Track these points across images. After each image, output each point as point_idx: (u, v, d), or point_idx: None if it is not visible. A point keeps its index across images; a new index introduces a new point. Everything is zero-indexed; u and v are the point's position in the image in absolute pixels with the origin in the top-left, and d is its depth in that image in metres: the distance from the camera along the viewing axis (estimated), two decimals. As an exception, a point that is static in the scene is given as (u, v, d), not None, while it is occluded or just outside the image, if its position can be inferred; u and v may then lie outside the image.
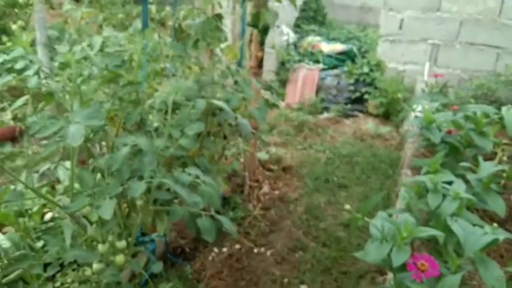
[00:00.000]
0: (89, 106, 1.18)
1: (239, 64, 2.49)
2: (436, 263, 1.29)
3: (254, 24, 2.40)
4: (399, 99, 4.47)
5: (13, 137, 3.67)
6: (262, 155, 3.50)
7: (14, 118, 4.16)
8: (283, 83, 5.36)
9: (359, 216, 1.47)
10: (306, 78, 5.22)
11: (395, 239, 1.35)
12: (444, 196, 1.77)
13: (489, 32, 4.32)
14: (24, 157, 1.37)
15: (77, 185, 1.63)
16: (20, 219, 1.88)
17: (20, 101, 1.45)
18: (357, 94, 4.91)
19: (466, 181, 1.95)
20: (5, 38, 3.66)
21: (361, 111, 4.90)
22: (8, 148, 1.45)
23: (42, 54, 3.54)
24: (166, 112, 1.50)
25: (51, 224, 1.70)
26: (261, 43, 2.58)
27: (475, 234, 1.36)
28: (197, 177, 1.27)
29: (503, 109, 2.02)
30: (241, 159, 3.26)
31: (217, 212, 1.40)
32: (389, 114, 4.67)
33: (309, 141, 4.17)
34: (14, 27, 3.56)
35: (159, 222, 1.89)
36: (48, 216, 2.05)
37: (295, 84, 5.26)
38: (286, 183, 3.34)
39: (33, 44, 3.61)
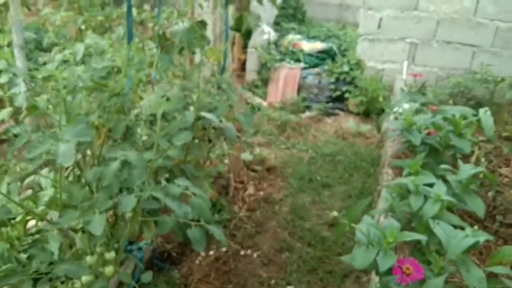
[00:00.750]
0: (76, 121, 1.17)
1: (223, 67, 2.50)
2: (420, 266, 1.33)
3: (237, 28, 2.41)
4: (379, 97, 4.55)
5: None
6: (246, 156, 3.52)
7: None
8: (265, 82, 5.37)
9: (346, 222, 1.50)
10: (287, 78, 5.25)
11: (381, 244, 1.39)
12: (426, 198, 1.82)
13: (465, 30, 4.43)
14: (9, 172, 1.35)
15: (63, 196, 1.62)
16: (3, 229, 1.85)
17: (3, 113, 1.42)
18: (338, 93, 4.97)
19: (446, 182, 2.02)
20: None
21: (342, 110, 4.96)
22: (-9, 161, 1.42)
23: (19, 57, 3.46)
24: (151, 123, 1.50)
25: (37, 236, 1.68)
26: (244, 46, 2.59)
27: (457, 237, 1.41)
28: (187, 188, 1.28)
29: (481, 111, 2.09)
30: (226, 161, 3.28)
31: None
32: (369, 112, 4.74)
33: (292, 140, 4.21)
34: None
35: (147, 230, 1.89)
36: (30, 223, 2.02)
37: (277, 84, 5.28)
38: (270, 184, 3.37)
39: (9, 46, 3.54)
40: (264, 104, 5.09)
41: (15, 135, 1.41)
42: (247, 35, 2.43)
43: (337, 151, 3.96)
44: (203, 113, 1.43)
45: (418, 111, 2.62)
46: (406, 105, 2.78)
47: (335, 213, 1.48)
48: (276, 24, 6.93)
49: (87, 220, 1.11)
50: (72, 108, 1.18)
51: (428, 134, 2.21)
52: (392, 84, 4.74)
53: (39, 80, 1.38)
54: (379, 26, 4.72)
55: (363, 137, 4.33)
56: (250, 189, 3.23)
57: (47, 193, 1.91)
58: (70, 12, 2.86)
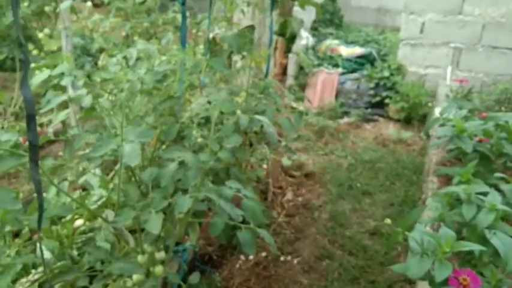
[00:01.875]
0: (135, 122, 1.20)
1: (266, 72, 2.51)
2: (478, 278, 1.28)
3: (281, 33, 2.41)
4: (421, 103, 4.44)
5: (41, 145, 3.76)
6: (285, 161, 3.51)
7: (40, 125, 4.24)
8: (302, 87, 5.36)
9: (399, 231, 1.46)
10: (325, 83, 5.22)
11: (436, 254, 1.34)
12: (479, 207, 1.75)
13: (513, 35, 4.26)
14: (68, 170, 1.40)
15: (114, 196, 1.66)
16: (53, 227, 1.92)
17: (62, 115, 1.48)
18: (377, 98, 4.88)
19: (499, 191, 1.93)
20: (31, 47, 3.75)
21: (381, 116, 4.87)
22: (50, 161, 1.48)
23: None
24: (202, 125, 1.52)
25: (90, 234, 1.73)
26: (288, 51, 2.59)
27: (517, 249, 1.34)
28: (238, 190, 1.29)
29: (538, 118, 1.99)
30: (264, 166, 3.28)
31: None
32: (410, 118, 4.63)
33: (330, 146, 4.17)
34: (40, 35, 3.64)
35: (192, 231, 1.92)
36: (77, 222, 2.09)
37: (315, 89, 5.25)
38: (309, 190, 3.34)
39: (59, 51, 3.70)
40: (301, 107, 5.07)
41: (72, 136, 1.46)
42: (292, 39, 2.43)
43: (378, 158, 3.89)
44: (257, 116, 1.44)
45: (466, 118, 2.54)
46: (453, 111, 2.70)
47: (388, 221, 1.43)
48: (314, 29, 6.91)
49: (144, 219, 1.14)
50: (131, 110, 1.21)
51: (480, 141, 2.13)
52: (435, 90, 4.62)
53: (97, 82, 1.44)
54: (421, 31, 4.61)
55: (404, 144, 4.23)
56: (289, 195, 3.22)
57: (97, 192, 1.98)
58: (118, 19, 2.96)
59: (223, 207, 1.19)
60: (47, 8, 3.71)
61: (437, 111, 4.21)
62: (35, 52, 3.74)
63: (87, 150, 1.55)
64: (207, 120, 1.61)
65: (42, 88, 1.48)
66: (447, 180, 2.95)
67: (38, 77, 1.33)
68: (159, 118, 1.45)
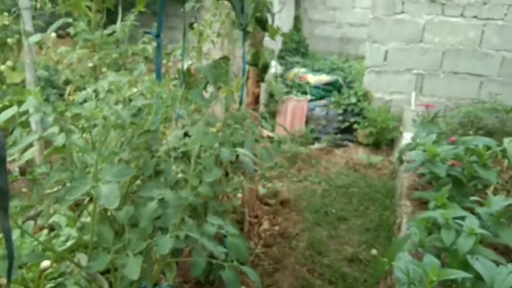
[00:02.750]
0: (109, 159, 1.14)
1: (240, 101, 2.49)
2: (465, 305, 1.27)
3: (254, 63, 2.43)
4: (389, 128, 4.55)
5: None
6: (260, 189, 3.47)
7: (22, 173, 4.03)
8: (273, 114, 5.39)
9: (385, 261, 1.44)
10: (295, 110, 5.28)
11: (423, 283, 1.33)
12: (457, 232, 1.77)
13: (471, 61, 4.49)
14: (39, 214, 1.31)
15: (85, 236, 1.56)
16: (18, 271, 1.78)
17: (28, 153, 1.40)
18: (346, 124, 4.98)
19: (474, 214, 1.97)
20: (-9, 78, 3.59)
21: (351, 141, 4.95)
22: (17, 203, 1.38)
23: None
24: (181, 159, 1.47)
25: (60, 279, 1.61)
26: (261, 80, 2.60)
27: (501, 274, 1.35)
28: (221, 227, 1.23)
29: (505, 142, 2.06)
30: (240, 195, 3.23)
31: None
32: (379, 143, 4.73)
33: (304, 173, 4.17)
34: (2, 67, 3.50)
35: (169, 270, 1.82)
36: (44, 264, 1.95)
37: (285, 116, 5.30)
38: (285, 218, 3.31)
39: (22, 84, 3.56)
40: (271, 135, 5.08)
41: (41, 175, 1.38)
42: (264, 69, 2.45)
43: (350, 183, 3.92)
44: (239, 149, 1.41)
45: (435, 142, 2.60)
46: (420, 135, 2.78)
47: (374, 252, 1.41)
48: (281, 58, 7.04)
49: (122, 263, 1.07)
50: (106, 147, 1.15)
51: (452, 165, 2.18)
52: (401, 115, 4.76)
53: (67, 117, 1.36)
54: (385, 58, 4.78)
55: (375, 168, 4.29)
56: (266, 224, 3.16)
57: (64, 232, 1.86)
58: (85, 50, 2.89)
59: (206, 246, 1.13)
60: (9, 40, 3.59)
61: (405, 136, 4.34)
62: (-4, 85, 3.58)
63: (56, 189, 1.46)
64: (184, 153, 1.57)
65: (9, 123, 1.40)
66: (420, 203, 3.00)
67: (4, 114, 1.25)
68: (134, 152, 1.39)
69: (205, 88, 1.74)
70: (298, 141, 4.86)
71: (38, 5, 3.29)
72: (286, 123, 5.27)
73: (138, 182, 1.56)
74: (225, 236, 1.31)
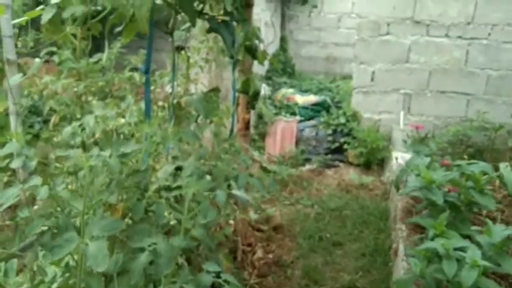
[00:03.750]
0: (97, 204, 1.07)
1: (231, 129, 2.45)
2: None
3: (244, 91, 2.39)
4: (379, 148, 4.54)
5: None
6: (252, 215, 3.39)
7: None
8: (262, 136, 5.35)
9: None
10: (284, 131, 5.25)
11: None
12: (459, 262, 1.72)
13: (457, 80, 4.53)
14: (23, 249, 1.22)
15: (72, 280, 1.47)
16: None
17: (11, 198, 1.31)
18: (336, 144, 4.96)
19: (472, 241, 1.93)
20: (-27, 108, 3.48)
21: (341, 161, 4.92)
22: (-3, 250, 1.29)
23: (16, 125, 3.39)
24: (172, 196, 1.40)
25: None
26: (252, 107, 2.55)
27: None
28: (218, 275, 1.16)
29: (501, 167, 2.04)
30: (231, 221, 3.15)
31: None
32: (370, 163, 4.71)
33: (296, 195, 4.11)
34: (-18, 96, 3.40)
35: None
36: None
37: (275, 137, 5.26)
38: (279, 245, 3.23)
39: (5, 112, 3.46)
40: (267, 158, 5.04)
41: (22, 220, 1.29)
42: (255, 96, 2.41)
43: (343, 205, 3.87)
44: (235, 192, 1.35)
45: (429, 166, 2.58)
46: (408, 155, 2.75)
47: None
48: (268, 78, 7.05)
49: (112, 321, 0.99)
50: (93, 194, 1.09)
51: (448, 191, 2.15)
52: (390, 134, 4.76)
53: (52, 160, 1.29)
54: (372, 79, 4.80)
55: (367, 189, 4.26)
56: (259, 252, 3.08)
57: (50, 272, 1.76)
58: (70, 80, 2.82)
59: (203, 298, 1.06)
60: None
61: (394, 156, 4.33)
62: (-23, 114, 3.47)
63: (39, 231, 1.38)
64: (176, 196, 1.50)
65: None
66: (415, 226, 2.96)
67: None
68: (123, 193, 1.31)
69: (196, 121, 1.69)
70: (288, 162, 4.81)
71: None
72: (276, 145, 5.23)
73: (127, 220, 1.49)
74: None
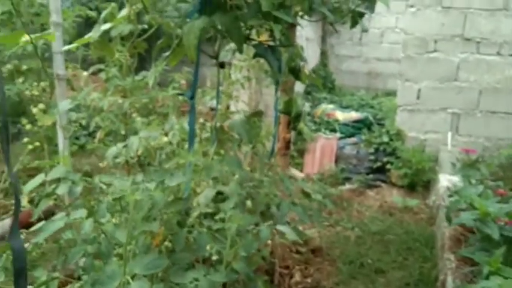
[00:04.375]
0: (139, 238, 1.05)
1: (272, 150, 2.40)
2: None
3: (287, 112, 2.34)
4: (424, 169, 4.35)
5: (28, 223, 3.54)
6: (291, 237, 3.30)
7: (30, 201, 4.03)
8: (301, 153, 5.27)
9: None
10: (324, 148, 5.15)
11: None
12: (520, 306, 1.58)
13: (510, 100, 4.29)
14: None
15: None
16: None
17: (54, 226, 1.33)
18: (378, 164, 4.79)
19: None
20: (24, 121, 3.64)
21: (384, 182, 4.75)
22: (41, 272, 1.30)
23: (62, 138, 3.52)
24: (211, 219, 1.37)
25: None
26: (294, 128, 2.51)
27: None
28: (260, 314, 1.11)
29: None
30: (268, 241, 3.08)
31: None
32: (414, 184, 4.52)
33: (335, 216, 3.99)
34: (34, 110, 3.55)
35: None
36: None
37: (313, 154, 5.17)
38: (318, 269, 3.12)
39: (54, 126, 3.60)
40: (301, 175, 4.96)
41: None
42: (297, 117, 2.35)
43: (386, 229, 3.71)
44: (280, 227, 1.30)
45: (481, 195, 2.41)
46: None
47: None
48: (307, 93, 6.99)
49: None
50: (136, 223, 1.07)
51: (505, 224, 1.99)
52: (437, 155, 4.55)
53: (96, 184, 1.29)
54: (418, 97, 4.63)
55: (411, 213, 4.08)
56: (297, 276, 2.99)
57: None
58: (116, 97, 2.88)
59: None
60: (42, 84, 3.65)
61: (441, 178, 4.13)
62: (28, 127, 3.63)
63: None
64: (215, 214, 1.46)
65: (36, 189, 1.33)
66: (465, 258, 2.77)
67: (31, 184, 1.19)
68: (164, 222, 1.29)
69: (239, 146, 1.66)
70: (327, 181, 4.70)
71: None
72: (315, 162, 5.13)
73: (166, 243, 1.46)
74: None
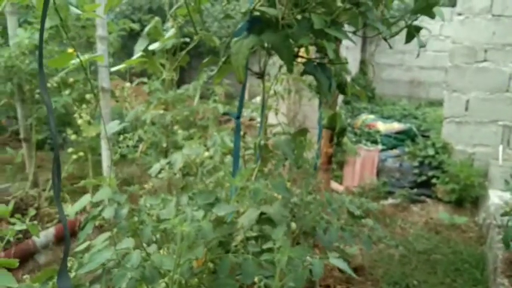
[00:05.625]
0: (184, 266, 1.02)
1: (315, 166, 2.33)
2: None
3: (331, 127, 2.26)
4: (473, 185, 4.12)
5: (73, 232, 3.63)
6: (332, 257, 3.20)
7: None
8: (340, 164, 5.14)
9: None
10: (364, 160, 5.00)
11: None
12: None
13: None
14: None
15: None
16: None
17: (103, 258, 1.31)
18: (423, 178, 4.59)
19: None
20: (69, 131, 3.75)
21: (429, 197, 4.54)
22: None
23: (105, 149, 3.59)
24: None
25: None
26: (338, 144, 2.42)
27: None
28: None
29: None
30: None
31: None
32: (462, 200, 4.29)
33: (377, 232, 3.83)
34: (80, 121, 3.65)
35: None
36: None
37: (354, 167, 5.03)
38: (360, 289, 3.00)
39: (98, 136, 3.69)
40: (341, 188, 4.83)
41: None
42: (341, 133, 2.27)
43: (432, 248, 3.53)
44: (332, 259, 1.23)
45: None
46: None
47: None
48: (346, 103, 6.84)
49: None
50: (182, 252, 1.03)
51: None
52: (486, 170, 4.31)
53: (142, 206, 1.27)
54: (466, 108, 4.41)
55: (459, 231, 3.86)
56: (339, 296, 2.88)
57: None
58: (159, 111, 2.91)
59: None
60: (87, 96, 3.75)
61: (492, 194, 3.89)
62: (73, 137, 3.74)
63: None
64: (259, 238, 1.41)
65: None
66: (523, 284, 2.58)
67: (77, 205, 1.18)
68: (209, 248, 1.25)
69: (283, 165, 1.61)
70: (368, 195, 4.55)
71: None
72: (355, 175, 4.99)
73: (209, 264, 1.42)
74: None
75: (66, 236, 0.67)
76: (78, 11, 1.15)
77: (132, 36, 5.04)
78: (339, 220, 1.70)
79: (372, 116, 5.92)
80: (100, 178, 1.25)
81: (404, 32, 1.43)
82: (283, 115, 4.73)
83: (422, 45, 1.34)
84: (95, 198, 1.21)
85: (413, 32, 1.29)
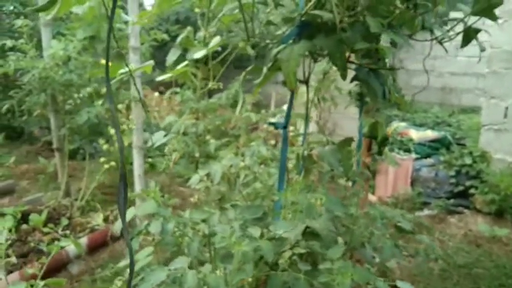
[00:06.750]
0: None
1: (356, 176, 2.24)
2: None
3: (372, 136, 2.17)
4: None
5: (104, 242, 3.63)
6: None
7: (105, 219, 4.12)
8: (373, 174, 4.99)
9: None
10: (398, 169, 4.84)
11: None
12: None
13: None
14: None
15: None
16: None
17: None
18: (460, 188, 4.40)
19: None
20: (101, 141, 3.77)
21: (467, 207, 4.35)
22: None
23: (137, 158, 3.59)
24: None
25: None
26: (379, 154, 2.32)
27: None
28: None
29: None
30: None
31: None
32: (502, 211, 4.08)
33: (414, 245, 3.68)
34: (112, 131, 3.66)
35: None
36: None
37: (386, 176, 4.88)
38: (399, 305, 2.86)
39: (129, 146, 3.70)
40: (374, 198, 4.69)
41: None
42: (383, 142, 2.17)
43: (473, 262, 3.35)
44: (399, 283, 1.15)
45: None
46: None
47: None
48: (376, 110, 6.68)
49: None
50: (233, 272, 0.97)
51: None
52: (529, 180, 4.09)
53: (187, 220, 1.22)
54: (505, 115, 4.22)
55: (500, 243, 3.67)
56: (378, 312, 2.75)
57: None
58: (190, 121, 2.88)
59: None
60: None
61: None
62: (105, 147, 3.75)
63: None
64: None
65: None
66: None
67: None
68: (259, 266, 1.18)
69: (332, 177, 1.53)
70: (403, 206, 4.40)
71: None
72: (388, 185, 4.84)
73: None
74: None
75: (131, 264, 0.62)
76: (129, 18, 1.12)
77: (159, 47, 5.08)
78: (385, 235, 1.60)
79: (403, 124, 5.75)
80: (146, 191, 1.20)
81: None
82: (315, 123, 4.64)
83: (482, 49, 1.25)
84: (139, 211, 1.17)
85: (472, 35, 1.20)
